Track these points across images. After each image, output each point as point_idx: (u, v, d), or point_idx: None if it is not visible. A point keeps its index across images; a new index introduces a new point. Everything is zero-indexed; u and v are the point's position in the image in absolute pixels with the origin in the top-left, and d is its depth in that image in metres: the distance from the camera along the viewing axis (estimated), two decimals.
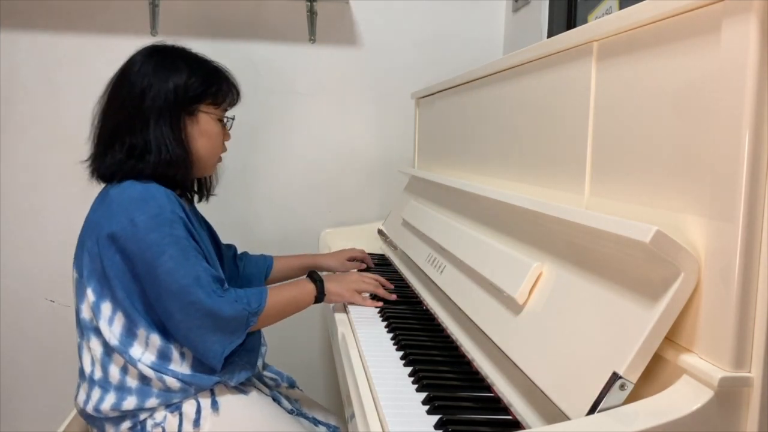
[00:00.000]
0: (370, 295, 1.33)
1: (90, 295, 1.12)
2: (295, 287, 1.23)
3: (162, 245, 1.07)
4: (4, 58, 1.95)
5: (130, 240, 1.08)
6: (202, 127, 1.20)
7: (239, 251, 1.53)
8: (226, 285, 1.15)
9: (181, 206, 1.13)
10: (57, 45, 1.96)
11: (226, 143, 1.29)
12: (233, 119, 1.29)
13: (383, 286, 1.35)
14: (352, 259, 1.60)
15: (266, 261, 1.54)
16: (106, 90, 1.20)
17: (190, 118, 1.19)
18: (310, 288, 1.24)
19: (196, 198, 1.38)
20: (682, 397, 0.62)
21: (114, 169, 1.15)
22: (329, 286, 1.26)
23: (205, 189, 1.37)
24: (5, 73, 1.95)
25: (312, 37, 2.08)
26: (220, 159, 1.28)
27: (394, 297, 1.33)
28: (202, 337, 1.09)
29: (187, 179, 1.23)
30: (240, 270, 1.50)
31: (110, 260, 1.10)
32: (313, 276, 1.27)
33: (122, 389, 1.11)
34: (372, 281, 1.33)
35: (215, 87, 1.21)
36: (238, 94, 1.28)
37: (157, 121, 1.15)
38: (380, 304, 1.30)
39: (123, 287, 1.10)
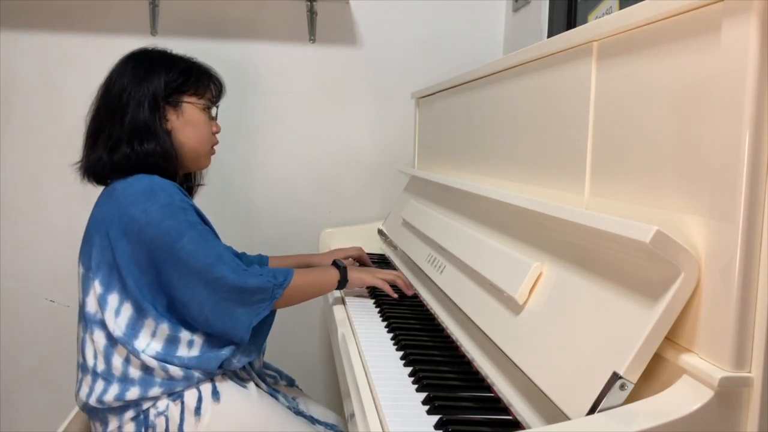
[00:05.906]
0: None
1: (97, 287, 1.14)
2: (320, 271, 1.29)
3: (179, 230, 1.11)
4: (4, 58, 1.95)
5: (146, 229, 1.11)
6: (187, 117, 1.24)
7: (237, 252, 1.53)
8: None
9: (187, 195, 1.18)
10: (57, 45, 1.96)
11: (218, 136, 1.32)
12: (218, 107, 1.32)
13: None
14: (347, 259, 1.60)
15: (262, 261, 1.57)
16: (93, 101, 1.25)
17: (174, 110, 1.22)
18: (333, 272, 1.29)
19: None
20: (682, 397, 0.62)
21: (96, 166, 1.19)
22: (352, 272, 1.32)
23: (192, 183, 1.40)
24: (5, 73, 1.95)
25: (312, 37, 2.07)
26: (213, 151, 1.32)
27: (412, 292, 1.38)
28: (229, 311, 1.13)
29: (176, 171, 1.25)
30: None
31: (122, 251, 1.12)
32: (337, 263, 1.32)
33: (125, 380, 1.13)
34: (392, 273, 1.38)
35: (194, 78, 1.25)
36: (221, 86, 1.32)
37: (135, 113, 1.18)
38: (395, 295, 1.34)
39: (134, 278, 1.12)
